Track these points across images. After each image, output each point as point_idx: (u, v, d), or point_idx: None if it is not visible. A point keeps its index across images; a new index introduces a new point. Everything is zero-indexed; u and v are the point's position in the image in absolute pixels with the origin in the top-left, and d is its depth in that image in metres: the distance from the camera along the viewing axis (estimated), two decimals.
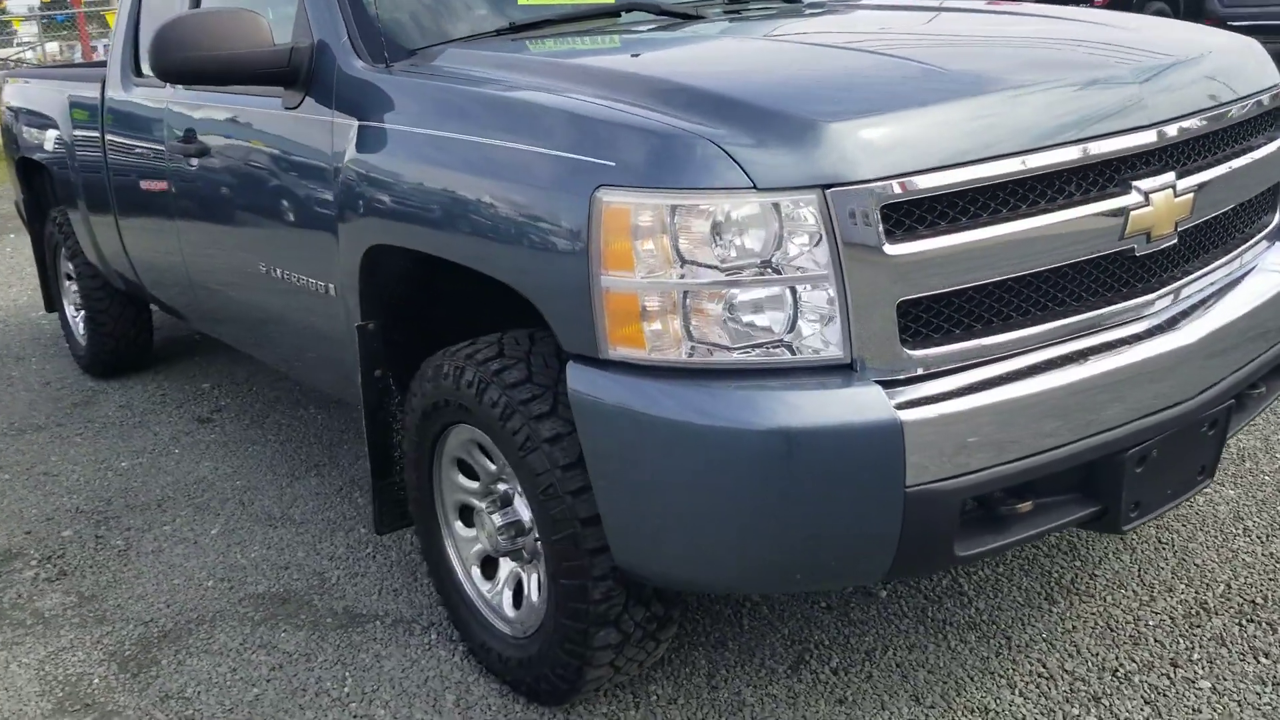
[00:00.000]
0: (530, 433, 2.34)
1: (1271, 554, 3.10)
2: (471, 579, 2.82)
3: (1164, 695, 2.57)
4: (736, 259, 2.01)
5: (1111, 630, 2.82)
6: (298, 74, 2.96)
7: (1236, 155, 2.54)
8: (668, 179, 2.02)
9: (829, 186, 1.97)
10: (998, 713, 2.55)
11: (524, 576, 2.69)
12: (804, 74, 2.39)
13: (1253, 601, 2.89)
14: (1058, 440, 2.15)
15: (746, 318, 2.04)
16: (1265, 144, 2.67)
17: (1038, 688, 2.63)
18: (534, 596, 2.63)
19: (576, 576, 2.34)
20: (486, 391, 2.43)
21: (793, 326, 2.04)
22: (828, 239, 1.99)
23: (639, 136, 2.07)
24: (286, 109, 3.04)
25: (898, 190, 1.99)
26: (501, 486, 2.65)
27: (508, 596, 2.74)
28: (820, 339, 2.04)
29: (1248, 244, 2.67)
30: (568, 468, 2.31)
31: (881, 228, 1.99)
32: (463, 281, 2.81)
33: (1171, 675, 2.63)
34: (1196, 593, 2.95)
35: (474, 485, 2.74)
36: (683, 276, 2.04)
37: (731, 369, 2.07)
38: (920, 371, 2.09)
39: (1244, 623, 2.81)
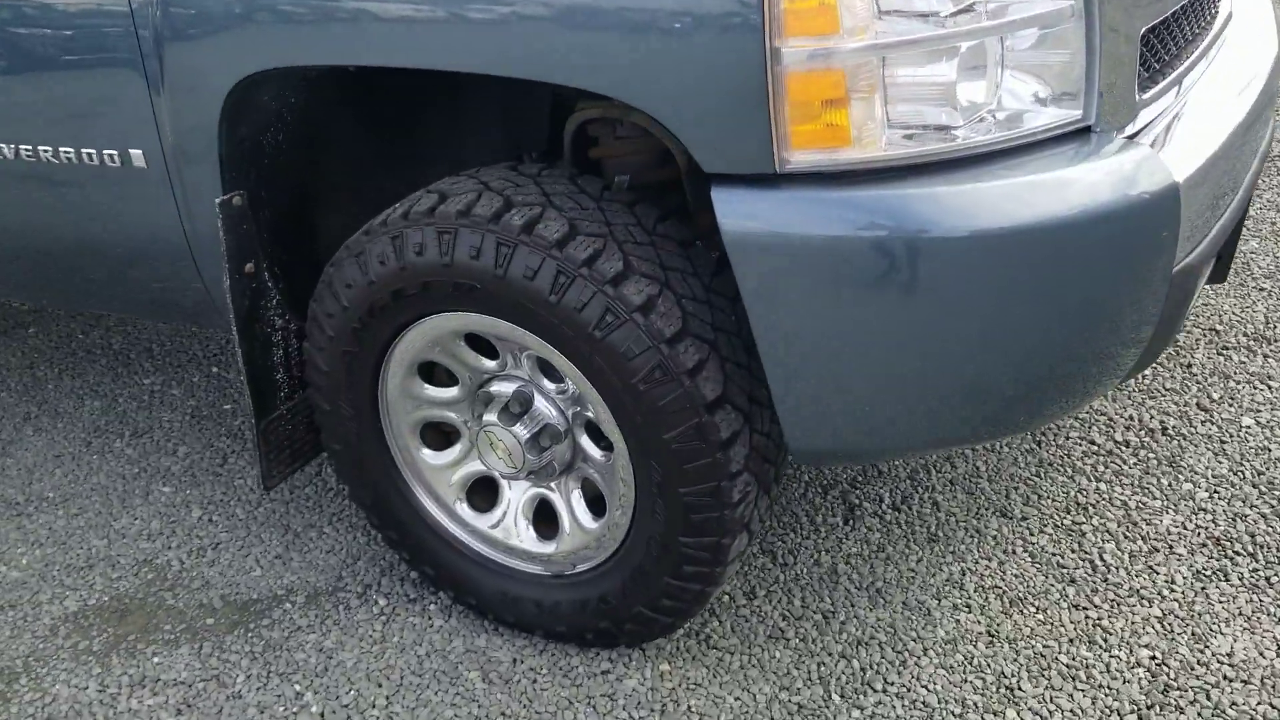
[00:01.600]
0: (609, 303, 1.66)
1: None
2: (459, 516, 2.09)
3: (1225, 440, 2.44)
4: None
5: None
6: None
7: None
8: None
9: None
10: (1094, 504, 2.31)
11: (553, 496, 2.01)
12: None
13: (1213, 329, 2.84)
14: (1237, 192, 1.85)
15: (972, 85, 1.49)
16: None
17: (1106, 465, 2.41)
18: (583, 519, 1.98)
19: (705, 479, 1.73)
20: (514, 257, 1.69)
21: (1027, 87, 1.52)
22: None
23: None
24: None
25: None
26: (505, 387, 1.94)
27: (524, 528, 2.06)
28: (1060, 97, 1.54)
29: None
30: (674, 340, 1.67)
31: None
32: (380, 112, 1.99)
33: (1212, 419, 2.51)
34: None
35: (452, 394, 1.99)
36: (883, 35, 1.44)
37: (955, 157, 1.52)
38: (1139, 125, 1.66)
39: (1221, 351, 2.75)
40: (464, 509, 2.08)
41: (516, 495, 2.04)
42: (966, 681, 1.95)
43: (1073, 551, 2.19)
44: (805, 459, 1.74)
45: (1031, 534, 2.25)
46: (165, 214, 1.99)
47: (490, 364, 1.93)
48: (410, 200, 1.83)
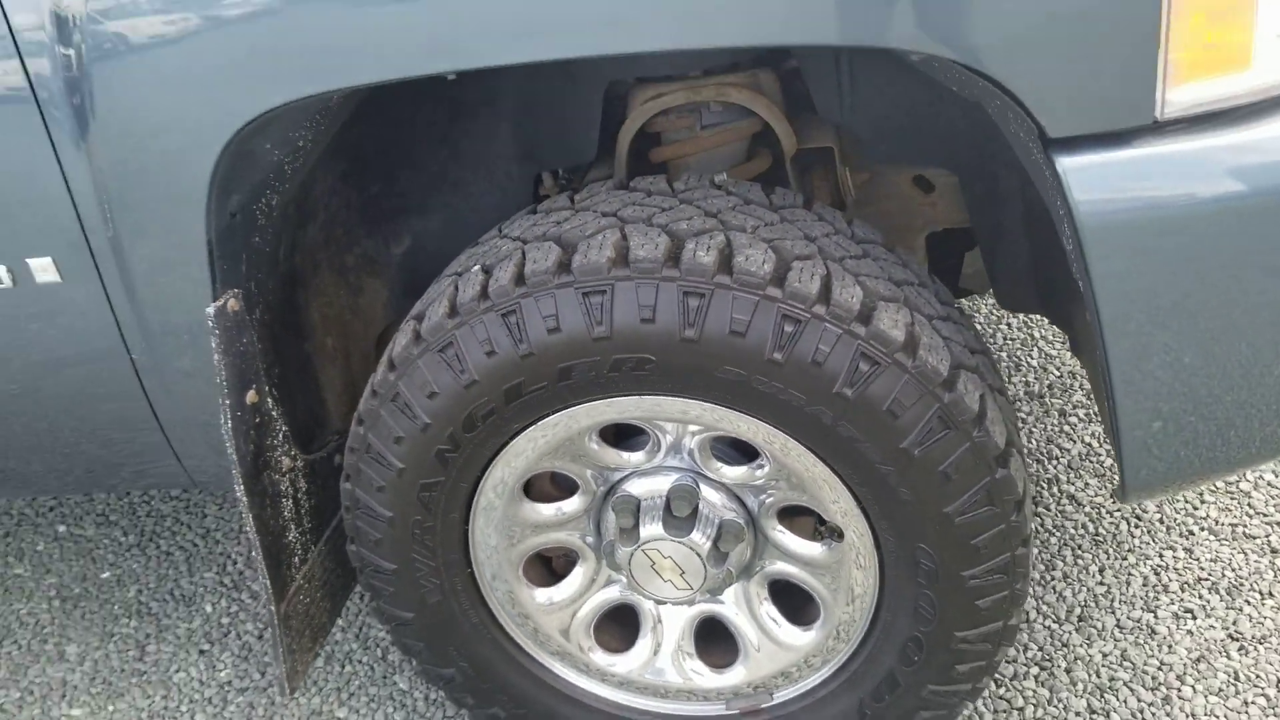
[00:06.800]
0: (861, 345, 1.20)
1: None
2: (595, 667, 1.55)
3: None
4: None
5: None
6: None
7: None
8: None
9: None
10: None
11: (725, 612, 1.50)
12: None
13: None
14: None
15: None
16: None
17: None
18: (780, 633, 1.49)
19: (998, 551, 1.31)
20: (711, 308, 1.19)
21: None
22: None
23: None
24: None
25: None
26: (648, 484, 1.42)
27: (690, 661, 1.54)
28: None
29: None
30: (951, 380, 1.24)
31: None
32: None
33: None
34: None
35: (573, 507, 1.45)
36: None
37: None
38: None
39: None
40: (599, 656, 1.53)
41: (674, 621, 1.51)
42: (1249, 705, 1.62)
43: (1250, 516, 1.91)
44: (1133, 497, 1.33)
45: (1196, 508, 1.95)
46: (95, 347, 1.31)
47: (634, 457, 1.39)
48: (503, 257, 1.27)
